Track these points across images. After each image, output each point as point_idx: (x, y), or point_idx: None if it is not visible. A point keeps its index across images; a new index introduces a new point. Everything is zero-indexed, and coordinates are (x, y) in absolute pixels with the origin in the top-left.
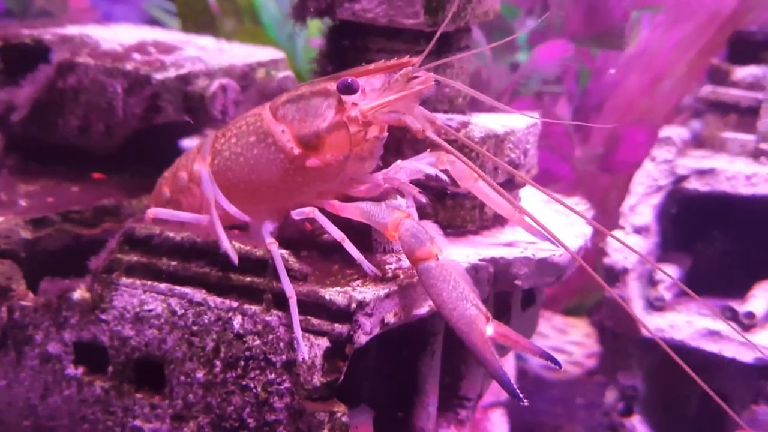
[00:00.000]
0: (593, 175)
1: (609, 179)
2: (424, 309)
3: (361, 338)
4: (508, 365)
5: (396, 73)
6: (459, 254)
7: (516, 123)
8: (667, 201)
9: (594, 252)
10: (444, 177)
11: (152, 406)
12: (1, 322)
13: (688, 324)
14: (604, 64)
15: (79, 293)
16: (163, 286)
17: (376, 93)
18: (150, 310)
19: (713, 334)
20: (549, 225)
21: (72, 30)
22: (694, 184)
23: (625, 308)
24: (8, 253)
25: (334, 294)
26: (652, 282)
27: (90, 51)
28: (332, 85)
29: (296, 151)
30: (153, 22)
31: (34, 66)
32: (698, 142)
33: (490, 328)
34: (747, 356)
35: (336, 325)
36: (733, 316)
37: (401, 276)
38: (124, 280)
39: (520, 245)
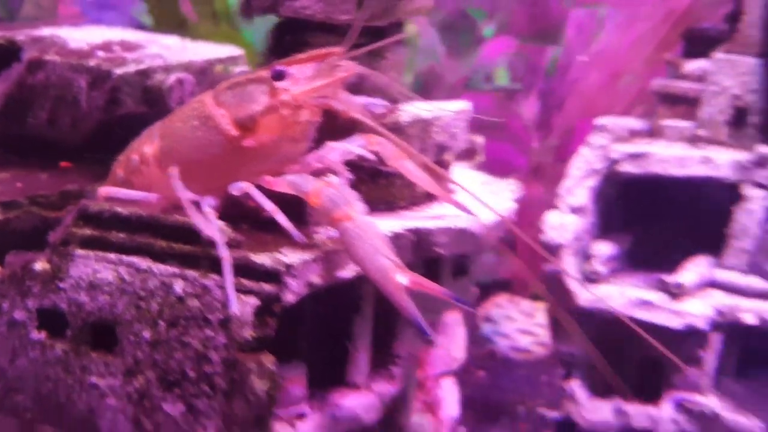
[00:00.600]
0: (550, 164)
1: (564, 168)
2: (348, 272)
3: (289, 297)
4: (459, 336)
5: (324, 62)
6: (385, 225)
7: (445, 110)
8: (602, 183)
9: (534, 230)
10: (371, 157)
11: (106, 364)
12: None
13: (622, 295)
14: (567, 63)
15: (40, 265)
16: (113, 256)
17: (307, 80)
18: (102, 278)
19: (645, 303)
20: (474, 203)
21: (45, 31)
22: (626, 167)
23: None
24: None
25: (263, 257)
26: (587, 257)
27: (58, 49)
28: (266, 73)
29: (234, 132)
30: (141, 27)
31: (9, 65)
32: (650, 132)
33: (403, 278)
34: (676, 322)
35: (264, 285)
36: (664, 287)
37: (328, 243)
38: (79, 251)
39: (443, 218)
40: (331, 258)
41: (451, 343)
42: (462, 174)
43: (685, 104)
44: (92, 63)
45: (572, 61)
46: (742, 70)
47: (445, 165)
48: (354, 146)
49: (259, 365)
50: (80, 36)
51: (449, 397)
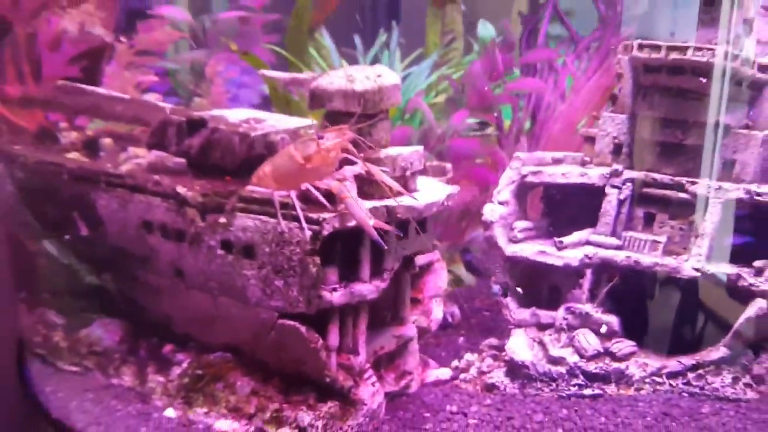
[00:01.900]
0: None
1: None
2: (352, 223)
3: (325, 232)
4: (442, 274)
5: (340, 131)
6: (370, 204)
7: (408, 151)
8: (517, 188)
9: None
10: (364, 173)
11: (250, 264)
12: (192, 234)
13: (530, 248)
14: (545, 118)
15: (222, 219)
16: (252, 216)
17: (332, 139)
18: (248, 225)
19: (543, 252)
20: (432, 189)
21: (215, 112)
22: (530, 179)
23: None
24: (193, 206)
25: (314, 214)
26: (510, 228)
27: (224, 123)
28: (315, 136)
29: (302, 161)
30: (265, 97)
31: (199, 129)
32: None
33: (371, 221)
34: (559, 262)
35: (314, 225)
36: (555, 244)
37: (341, 210)
38: (238, 213)
39: (403, 200)
40: (344, 216)
41: (437, 278)
42: (425, 182)
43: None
44: (240, 129)
45: (548, 116)
46: (618, 122)
47: (407, 177)
48: (357, 168)
49: (313, 261)
50: (233, 115)
51: (436, 308)
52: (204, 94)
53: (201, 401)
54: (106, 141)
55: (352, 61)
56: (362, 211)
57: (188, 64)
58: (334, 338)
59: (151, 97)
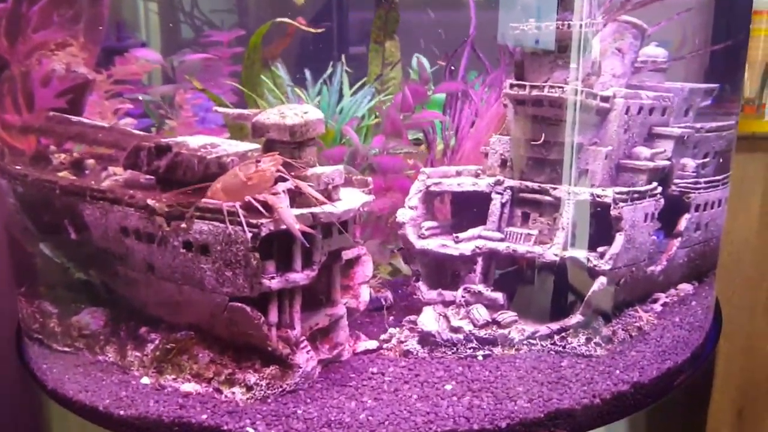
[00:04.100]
0: None
1: None
2: (284, 226)
3: (263, 233)
4: (369, 264)
5: (274, 156)
6: (297, 212)
7: (330, 170)
8: (424, 195)
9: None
10: (294, 188)
11: (206, 259)
12: (160, 237)
13: (434, 242)
14: (462, 137)
15: (187, 225)
16: (207, 221)
17: (267, 162)
18: (203, 229)
19: (444, 245)
20: (351, 198)
21: (179, 139)
22: (433, 188)
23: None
24: (160, 215)
25: (254, 219)
26: (419, 227)
27: (186, 147)
28: (255, 159)
29: (244, 179)
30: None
31: (166, 153)
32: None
33: (297, 225)
34: (456, 252)
35: (254, 228)
36: (453, 239)
37: (275, 216)
38: (196, 220)
39: (326, 208)
40: (277, 221)
41: (364, 268)
42: (349, 192)
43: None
44: (199, 153)
45: (463, 137)
46: (503, 142)
47: (329, 190)
48: (288, 184)
49: (254, 256)
50: (195, 141)
51: (364, 292)
52: (174, 118)
53: (170, 370)
54: (90, 162)
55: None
56: (291, 217)
57: (159, 96)
58: (273, 316)
59: (127, 122)
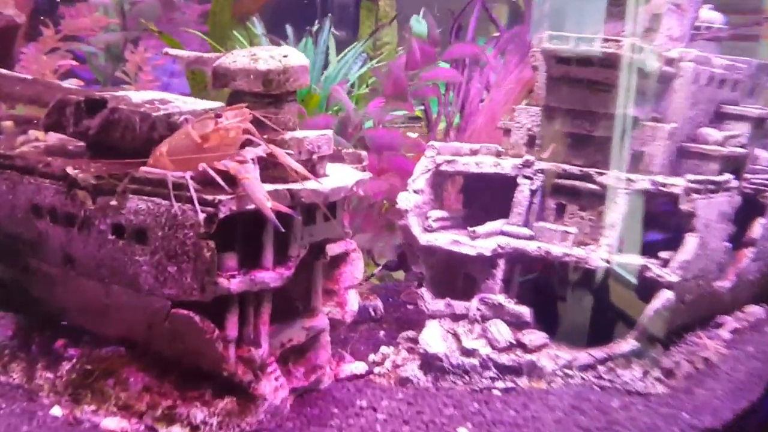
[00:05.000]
0: None
1: None
2: (251, 206)
3: (221, 214)
4: (359, 265)
5: (239, 110)
6: (270, 187)
7: (315, 135)
8: (433, 176)
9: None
10: (265, 155)
11: (142, 249)
12: (82, 218)
13: (444, 237)
14: (470, 111)
15: (113, 202)
16: (145, 197)
17: (231, 118)
18: (141, 208)
19: (456, 241)
20: (342, 175)
21: (119, 93)
22: (445, 167)
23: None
24: (84, 188)
25: (209, 195)
26: (425, 217)
27: (126, 103)
28: (213, 114)
29: (198, 140)
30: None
31: (100, 109)
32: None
33: (269, 204)
34: (472, 251)
35: (209, 208)
36: (468, 234)
37: (240, 192)
38: (130, 195)
39: (309, 184)
40: (242, 198)
41: (354, 269)
42: (339, 168)
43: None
44: (142, 109)
45: (472, 110)
46: (532, 114)
47: (313, 161)
48: (259, 150)
49: (207, 245)
50: (138, 96)
51: (352, 299)
52: (130, 82)
53: (89, 398)
54: (6, 123)
55: None
56: (261, 192)
57: (104, 47)
58: (232, 328)
59: (72, 83)
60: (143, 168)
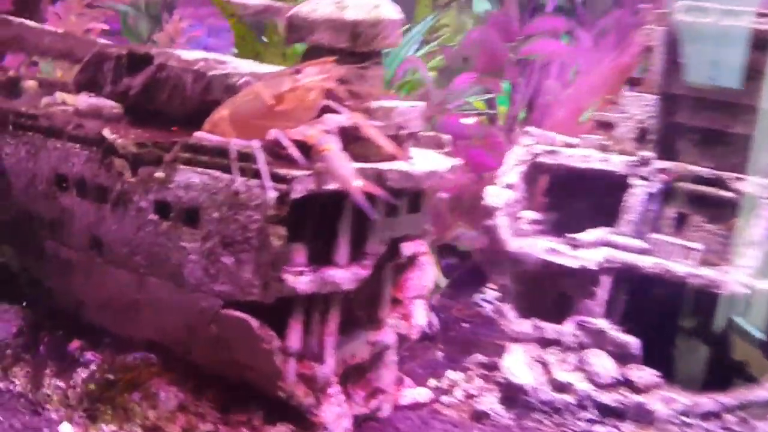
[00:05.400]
0: None
1: None
2: (331, 186)
3: (295, 194)
4: (429, 271)
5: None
6: (356, 165)
7: (406, 106)
8: (528, 169)
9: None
10: (351, 126)
11: (191, 233)
12: (118, 191)
13: (539, 244)
14: (545, 102)
15: (159, 173)
16: (199, 169)
17: (313, 75)
18: (193, 182)
19: (554, 250)
20: (428, 159)
21: (167, 50)
22: (544, 159)
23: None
24: (123, 156)
25: (282, 170)
26: (516, 219)
27: (175, 60)
28: (291, 70)
29: (271, 102)
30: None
31: (143, 67)
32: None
33: (358, 182)
34: (574, 263)
35: (282, 185)
36: (568, 241)
37: (319, 168)
38: (181, 166)
39: (396, 164)
40: (321, 176)
41: (423, 276)
42: (425, 153)
43: (611, 128)
44: (195, 67)
45: (547, 101)
46: (645, 103)
47: (401, 138)
48: (342, 119)
49: (276, 231)
50: (188, 54)
51: (419, 312)
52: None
53: (109, 415)
54: (29, 83)
55: None
56: (347, 169)
57: (143, 6)
58: (295, 339)
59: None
60: (198, 133)
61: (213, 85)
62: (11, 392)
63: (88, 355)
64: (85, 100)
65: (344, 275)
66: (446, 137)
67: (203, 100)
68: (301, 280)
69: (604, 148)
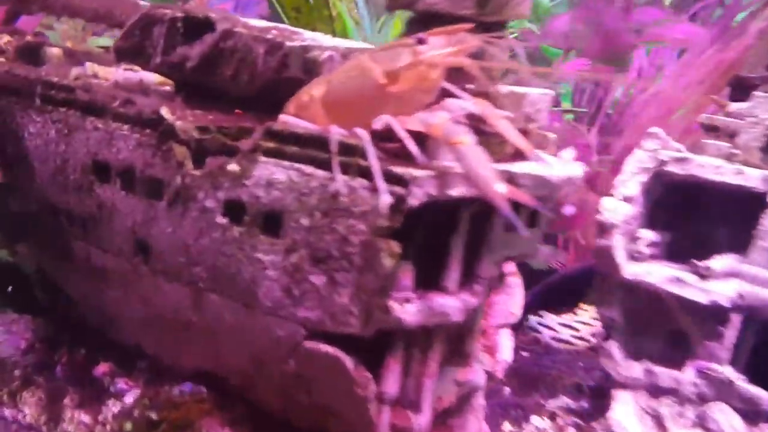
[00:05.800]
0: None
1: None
2: (456, 192)
3: (413, 201)
4: (518, 295)
5: (453, 36)
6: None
7: (537, 93)
8: (651, 180)
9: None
10: (477, 113)
11: (271, 243)
12: (177, 186)
13: (659, 272)
14: (629, 100)
15: (233, 166)
16: (286, 162)
17: (439, 48)
18: (276, 178)
19: (678, 280)
20: (551, 163)
21: (230, 14)
22: (672, 168)
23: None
24: (184, 143)
25: (398, 168)
26: (634, 238)
27: (243, 25)
28: (411, 40)
29: (383, 80)
30: None
31: (203, 34)
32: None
33: (501, 186)
34: (703, 298)
35: (397, 188)
36: (695, 269)
37: (443, 167)
38: (262, 158)
39: (528, 166)
40: (444, 178)
41: (511, 301)
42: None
43: (725, 136)
44: (269, 36)
45: (634, 99)
46: None
47: (529, 133)
48: (468, 104)
49: (388, 247)
50: (256, 23)
51: (505, 343)
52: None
53: None
54: (53, 50)
55: None
56: (489, 168)
57: None
58: (392, 382)
59: None
60: (285, 118)
61: (291, 59)
62: (19, 423)
63: (121, 383)
64: (121, 74)
65: (453, 304)
66: (551, 135)
67: (277, 77)
68: (408, 310)
69: (731, 157)
